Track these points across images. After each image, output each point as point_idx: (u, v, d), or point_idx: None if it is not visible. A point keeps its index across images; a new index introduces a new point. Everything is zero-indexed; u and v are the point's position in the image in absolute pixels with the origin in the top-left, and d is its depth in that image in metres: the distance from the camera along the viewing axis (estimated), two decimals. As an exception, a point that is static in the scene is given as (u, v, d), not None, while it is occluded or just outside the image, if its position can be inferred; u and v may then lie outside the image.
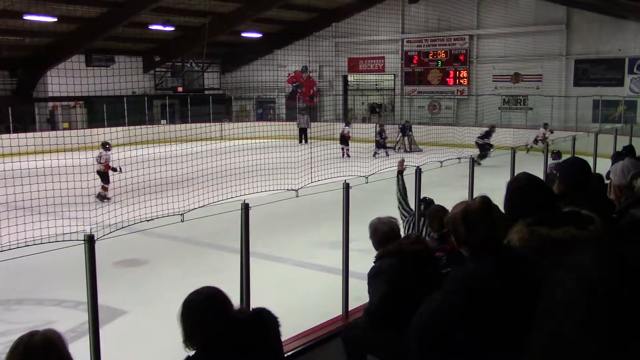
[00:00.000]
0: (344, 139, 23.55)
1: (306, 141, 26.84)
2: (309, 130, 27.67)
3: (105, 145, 14.87)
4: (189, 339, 2.64)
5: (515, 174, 3.23)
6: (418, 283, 3.00)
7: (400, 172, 7.00)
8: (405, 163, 7.11)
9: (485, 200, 2.65)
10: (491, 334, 2.53)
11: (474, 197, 6.56)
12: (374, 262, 3.73)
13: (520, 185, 2.94)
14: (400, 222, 6.82)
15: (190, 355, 2.63)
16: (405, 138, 25.01)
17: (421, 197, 6.87)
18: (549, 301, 1.21)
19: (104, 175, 14.38)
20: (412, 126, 25.76)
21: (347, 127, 24.10)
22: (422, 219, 6.48)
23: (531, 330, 1.23)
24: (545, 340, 1.18)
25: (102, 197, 13.82)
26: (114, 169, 14.23)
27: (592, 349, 1.09)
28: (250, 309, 2.85)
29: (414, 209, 6.66)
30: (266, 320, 2.80)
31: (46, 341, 2.22)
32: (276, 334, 2.83)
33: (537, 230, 2.61)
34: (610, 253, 1.21)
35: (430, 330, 2.62)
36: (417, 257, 3.53)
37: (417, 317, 2.59)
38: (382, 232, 3.86)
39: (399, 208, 6.97)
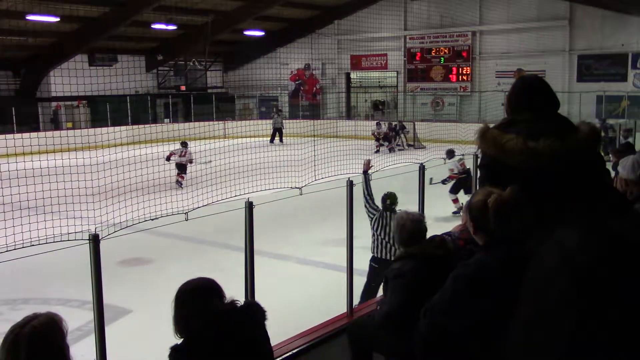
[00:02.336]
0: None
1: (281, 141, 26.56)
2: (283, 131, 27.22)
3: (184, 144, 16.71)
4: (177, 326, 2.72)
5: None
6: (437, 288, 2.99)
7: (365, 172, 7.36)
8: (371, 164, 7.55)
9: (517, 193, 2.65)
10: (490, 325, 2.54)
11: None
12: (394, 260, 3.68)
13: (520, 85, 2.89)
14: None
15: (177, 343, 2.69)
16: (402, 136, 24.94)
17: (386, 192, 7.27)
18: (533, 274, 1.21)
19: (182, 167, 16.37)
20: (416, 123, 25.73)
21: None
22: (389, 213, 6.97)
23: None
24: (528, 312, 1.19)
25: (180, 183, 15.84)
26: (190, 161, 16.46)
27: (572, 318, 1.09)
28: (243, 302, 2.85)
29: (380, 207, 7.10)
30: (252, 312, 2.82)
31: (34, 333, 2.22)
32: (262, 326, 2.85)
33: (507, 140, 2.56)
34: (594, 226, 1.21)
35: (439, 312, 2.67)
36: (439, 262, 3.48)
37: (432, 303, 2.72)
38: (409, 230, 3.75)
39: (365, 206, 7.21)
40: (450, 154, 13.47)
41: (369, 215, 7.20)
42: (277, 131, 27.47)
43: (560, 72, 25.54)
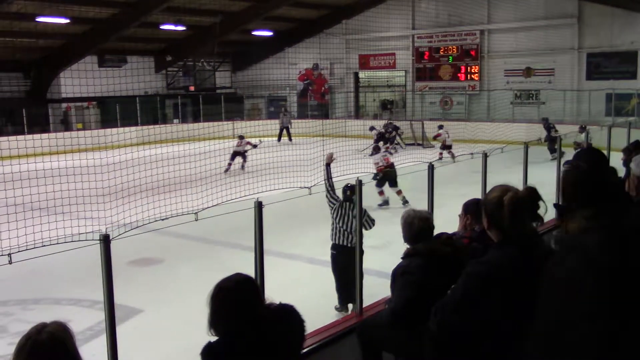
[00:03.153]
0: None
1: (290, 139, 26.68)
2: (290, 129, 27.42)
3: (241, 137, 19.12)
4: (214, 324, 2.60)
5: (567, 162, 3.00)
6: (445, 285, 2.99)
7: (327, 165, 7.99)
8: (333, 157, 8.11)
9: (534, 191, 2.65)
10: (501, 323, 2.54)
11: (486, 190, 6.54)
12: (402, 258, 3.68)
13: (580, 172, 2.68)
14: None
15: (212, 341, 2.60)
16: (398, 137, 24.72)
17: (348, 185, 7.56)
18: (552, 281, 1.21)
19: (241, 154, 18.70)
20: (424, 122, 25.57)
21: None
22: (348, 203, 7.37)
23: (535, 315, 1.24)
24: (550, 319, 1.19)
25: (243, 167, 18.11)
26: (254, 146, 18.57)
27: (598, 324, 1.10)
28: (279, 304, 2.75)
29: (340, 198, 7.54)
30: (292, 319, 2.74)
31: (53, 338, 2.24)
32: (300, 335, 2.76)
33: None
34: (612, 232, 1.22)
35: (450, 310, 2.68)
36: (446, 259, 3.48)
37: (443, 300, 2.72)
38: (417, 227, 3.75)
39: (326, 196, 7.67)
40: (377, 149, 14.92)
41: (329, 205, 7.60)
42: (285, 130, 27.56)
43: (569, 70, 25.43)
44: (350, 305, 7.36)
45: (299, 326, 2.75)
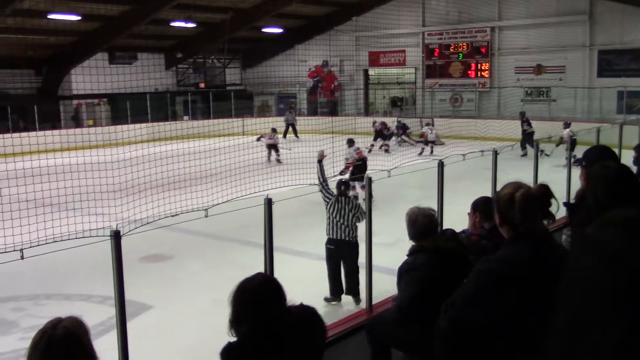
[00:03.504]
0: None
1: (296, 136, 26.69)
2: (296, 126, 27.50)
3: (274, 130, 20.09)
4: (236, 323, 2.56)
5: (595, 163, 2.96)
6: (450, 281, 2.99)
7: (319, 161, 8.25)
8: (325, 154, 8.40)
9: (546, 188, 2.64)
10: (512, 320, 2.53)
11: (497, 187, 6.52)
12: (407, 255, 3.69)
13: (608, 174, 2.72)
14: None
15: (232, 341, 2.57)
16: (405, 136, 24.61)
17: (342, 180, 8.03)
18: (571, 281, 1.21)
19: (274, 147, 19.62)
20: (434, 119, 25.52)
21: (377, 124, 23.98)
22: (342, 198, 7.63)
23: (552, 314, 1.23)
24: (571, 320, 1.18)
25: (279, 161, 18.78)
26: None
27: (619, 324, 1.09)
28: (300, 305, 2.70)
29: (335, 192, 7.75)
30: (314, 321, 2.69)
31: (68, 333, 2.25)
32: (322, 338, 2.73)
33: None
34: (631, 228, 1.21)
35: (461, 307, 2.67)
36: (451, 255, 3.49)
37: (454, 297, 2.70)
38: (421, 224, 3.77)
39: (320, 191, 7.84)
40: (350, 142, 14.80)
41: (324, 200, 7.77)
42: (291, 126, 27.67)
43: (580, 67, 25.27)
44: (343, 297, 7.58)
45: (320, 329, 2.71)
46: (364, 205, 6.99)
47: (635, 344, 1.06)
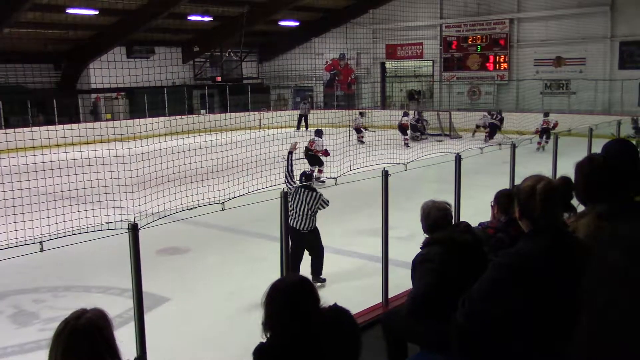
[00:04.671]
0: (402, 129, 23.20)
1: (306, 128, 26.75)
2: (309, 117, 27.70)
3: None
4: (269, 324, 2.54)
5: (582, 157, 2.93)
6: (464, 273, 2.96)
7: (290, 153, 8.92)
8: (297, 146, 9.22)
9: (568, 181, 2.60)
10: (529, 312, 2.50)
11: (514, 180, 6.47)
12: (421, 247, 3.67)
13: (593, 167, 2.66)
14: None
15: (264, 342, 2.55)
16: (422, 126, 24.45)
17: (306, 171, 8.54)
18: (598, 274, 1.20)
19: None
20: (452, 112, 25.29)
21: (405, 117, 23.87)
22: (303, 189, 7.83)
23: (579, 306, 1.22)
24: (600, 310, 1.17)
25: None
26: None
27: None
28: (329, 307, 2.66)
29: (298, 183, 8.19)
30: (346, 323, 2.68)
31: (91, 324, 2.27)
32: (355, 340, 2.71)
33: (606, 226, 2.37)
34: None
35: (478, 301, 2.65)
36: (465, 247, 3.46)
37: (472, 292, 2.70)
38: (435, 217, 3.75)
39: (285, 182, 8.27)
40: (319, 133, 15.78)
41: (287, 190, 7.93)
42: (303, 118, 27.85)
43: (602, 59, 24.93)
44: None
45: (354, 331, 2.70)
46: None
47: None
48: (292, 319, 2.50)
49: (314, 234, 7.92)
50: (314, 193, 7.89)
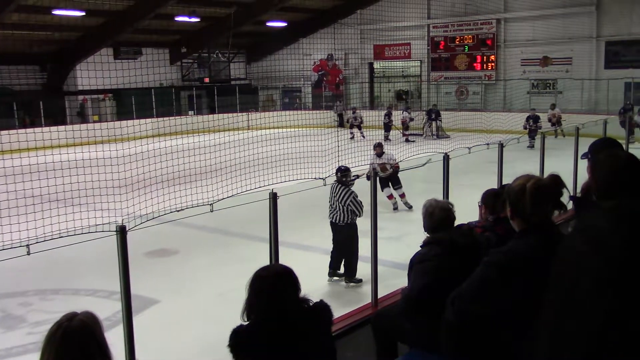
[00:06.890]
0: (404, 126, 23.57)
1: (342, 125, 26.92)
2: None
3: (354, 109, 21.67)
4: (249, 309, 2.67)
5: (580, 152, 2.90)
6: (461, 276, 2.97)
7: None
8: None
9: (557, 179, 2.61)
10: (519, 312, 2.51)
11: (503, 180, 6.50)
12: (421, 246, 3.66)
13: (615, 163, 2.50)
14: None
15: (242, 324, 2.67)
16: (433, 123, 24.67)
17: (341, 167, 8.41)
18: (562, 262, 1.21)
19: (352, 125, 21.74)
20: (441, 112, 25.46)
21: (405, 112, 24.11)
22: (337, 184, 8.08)
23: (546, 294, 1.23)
24: (560, 299, 1.19)
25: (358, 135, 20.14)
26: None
27: (604, 304, 1.09)
28: (315, 302, 2.83)
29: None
30: (321, 313, 2.81)
31: (84, 326, 2.27)
32: (326, 331, 2.85)
33: None
34: (621, 213, 1.21)
35: (468, 299, 2.66)
36: (465, 250, 3.46)
37: (461, 290, 2.72)
38: (438, 217, 3.73)
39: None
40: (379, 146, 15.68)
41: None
42: (340, 117, 28.25)
43: (587, 59, 25.13)
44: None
45: (328, 322, 2.83)
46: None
47: (614, 322, 1.06)
48: (268, 305, 2.64)
49: (351, 228, 8.07)
50: (346, 188, 8.16)
